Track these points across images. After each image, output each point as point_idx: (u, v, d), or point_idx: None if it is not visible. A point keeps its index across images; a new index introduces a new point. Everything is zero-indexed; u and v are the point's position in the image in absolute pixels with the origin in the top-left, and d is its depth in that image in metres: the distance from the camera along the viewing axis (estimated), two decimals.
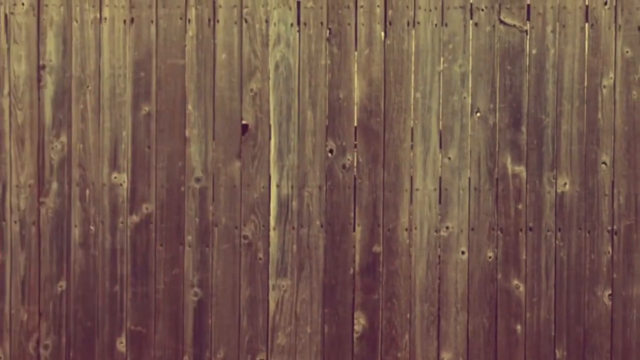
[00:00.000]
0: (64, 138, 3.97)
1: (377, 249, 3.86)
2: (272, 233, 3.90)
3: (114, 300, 3.96)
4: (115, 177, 3.96)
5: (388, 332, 3.83)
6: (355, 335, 3.86)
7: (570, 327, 3.81)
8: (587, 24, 3.78)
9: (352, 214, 3.87)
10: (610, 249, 3.76)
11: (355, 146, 3.87)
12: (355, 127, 3.87)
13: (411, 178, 3.83)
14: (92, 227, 3.97)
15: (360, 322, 3.86)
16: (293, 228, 3.89)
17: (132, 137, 3.95)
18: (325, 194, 3.88)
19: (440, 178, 3.84)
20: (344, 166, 3.87)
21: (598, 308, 3.80)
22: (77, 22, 3.97)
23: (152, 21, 3.95)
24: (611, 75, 3.76)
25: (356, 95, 3.86)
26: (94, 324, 3.97)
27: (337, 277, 3.87)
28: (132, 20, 3.95)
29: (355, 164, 3.87)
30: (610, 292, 3.76)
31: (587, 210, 3.77)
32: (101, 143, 3.96)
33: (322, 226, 3.88)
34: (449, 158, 3.83)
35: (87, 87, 3.96)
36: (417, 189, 3.81)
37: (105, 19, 3.95)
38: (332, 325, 3.88)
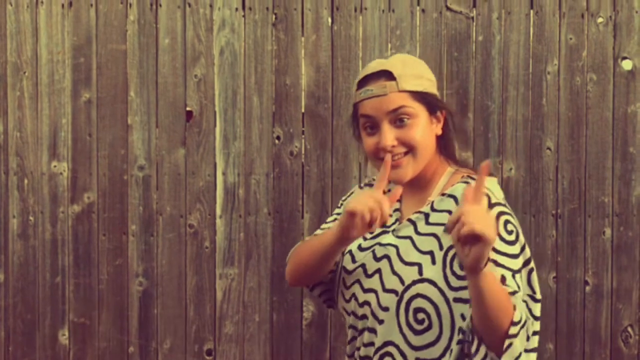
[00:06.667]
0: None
1: None
2: (218, 221, 3.85)
3: (55, 292, 3.86)
4: (55, 166, 3.84)
5: (337, 318, 3.83)
6: (304, 323, 3.85)
7: None
8: (532, 11, 3.82)
9: (300, 202, 3.84)
10: (554, 232, 3.83)
11: (303, 133, 3.83)
12: (303, 114, 3.83)
13: (360, 165, 3.82)
14: (31, 218, 3.85)
15: (309, 309, 3.85)
16: (240, 216, 3.84)
17: (72, 124, 3.84)
18: (273, 182, 3.84)
19: None
20: (291, 153, 3.83)
21: (543, 291, 3.87)
22: (11, 5, 3.83)
23: (91, 5, 3.83)
24: (555, 61, 3.81)
25: (303, 82, 3.82)
26: (34, 317, 3.87)
27: (285, 264, 3.83)
28: (70, 3, 3.83)
29: (303, 151, 3.83)
30: (554, 274, 3.83)
31: (532, 195, 3.82)
32: (40, 131, 3.84)
33: (269, 214, 3.84)
34: None
35: (24, 73, 3.83)
36: (365, 176, 3.80)
37: (42, 2, 3.81)
38: (281, 313, 3.86)
